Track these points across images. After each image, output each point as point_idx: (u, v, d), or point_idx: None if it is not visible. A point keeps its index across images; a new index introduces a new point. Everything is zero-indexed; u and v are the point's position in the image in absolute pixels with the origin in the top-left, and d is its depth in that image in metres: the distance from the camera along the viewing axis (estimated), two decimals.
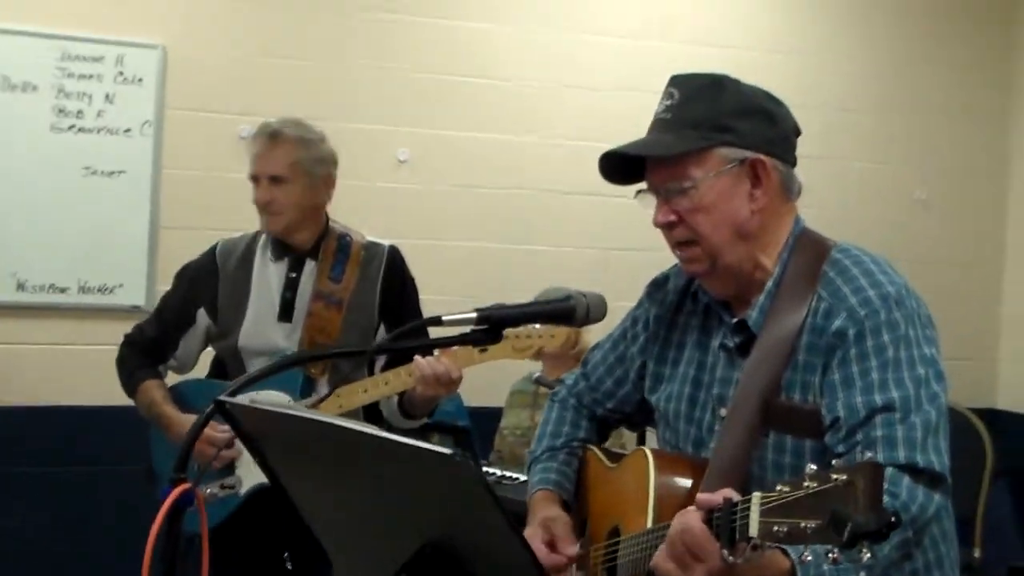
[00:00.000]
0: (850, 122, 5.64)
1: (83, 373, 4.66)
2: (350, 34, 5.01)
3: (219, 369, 3.35)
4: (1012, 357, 5.86)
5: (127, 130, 4.77)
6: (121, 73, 4.76)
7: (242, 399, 1.52)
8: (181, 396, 3.27)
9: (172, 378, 3.38)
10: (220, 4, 4.86)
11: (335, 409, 2.92)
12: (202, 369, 3.41)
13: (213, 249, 3.32)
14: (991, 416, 5.48)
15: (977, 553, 4.84)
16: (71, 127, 4.71)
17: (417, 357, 2.89)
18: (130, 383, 3.30)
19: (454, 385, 2.91)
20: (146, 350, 3.31)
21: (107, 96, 4.75)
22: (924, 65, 5.78)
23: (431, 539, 1.34)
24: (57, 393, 4.68)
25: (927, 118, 5.78)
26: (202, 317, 3.27)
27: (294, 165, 3.15)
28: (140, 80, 4.78)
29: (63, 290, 4.69)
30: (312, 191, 3.18)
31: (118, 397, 4.59)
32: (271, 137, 3.16)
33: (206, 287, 3.27)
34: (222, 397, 1.49)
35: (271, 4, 4.93)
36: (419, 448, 1.24)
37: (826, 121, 5.39)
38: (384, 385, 2.96)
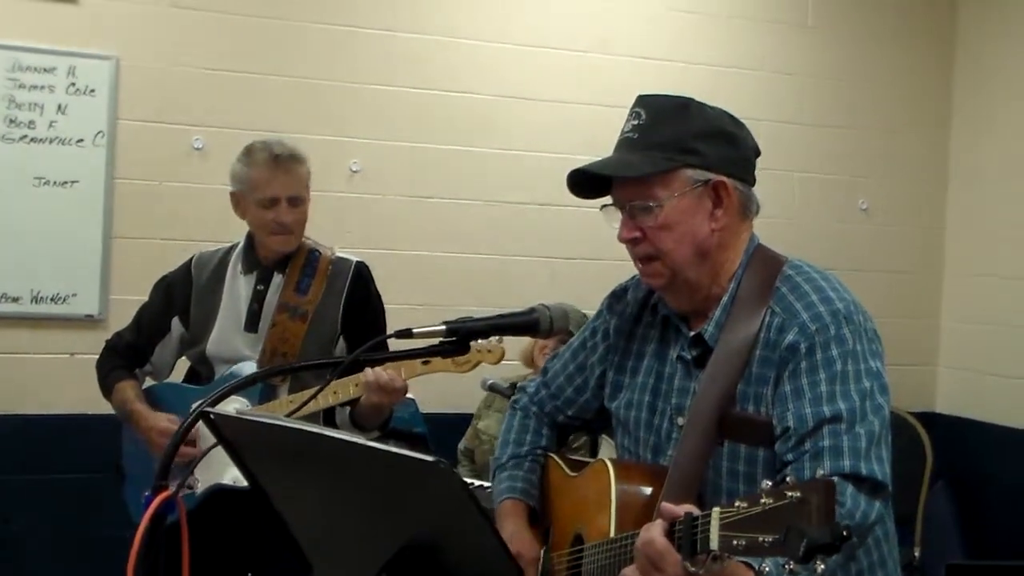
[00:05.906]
0: (794, 135, 5.73)
1: (37, 382, 4.67)
2: (302, 45, 5.03)
3: (194, 374, 3.43)
4: (950, 362, 5.94)
5: (79, 140, 4.76)
6: (73, 84, 4.76)
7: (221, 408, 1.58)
8: (154, 398, 3.37)
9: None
10: (172, 16, 4.85)
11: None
12: (178, 376, 3.49)
13: (190, 261, 3.43)
14: (930, 420, 5.60)
15: (917, 552, 4.99)
16: (23, 137, 4.70)
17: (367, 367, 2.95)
18: (106, 383, 3.39)
19: (398, 393, 2.98)
20: (123, 355, 3.42)
21: (59, 107, 4.74)
22: (866, 79, 5.89)
23: (411, 540, 1.40)
24: (10, 402, 4.66)
25: (869, 131, 5.89)
26: (176, 326, 3.39)
27: (308, 185, 3.28)
28: (92, 91, 4.78)
29: (16, 299, 4.66)
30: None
31: (72, 405, 4.63)
32: (290, 158, 3.25)
33: (181, 297, 3.39)
34: (205, 408, 1.55)
35: (223, 16, 4.95)
36: (402, 455, 1.30)
37: (770, 134, 5.50)
38: (332, 395, 3.01)
